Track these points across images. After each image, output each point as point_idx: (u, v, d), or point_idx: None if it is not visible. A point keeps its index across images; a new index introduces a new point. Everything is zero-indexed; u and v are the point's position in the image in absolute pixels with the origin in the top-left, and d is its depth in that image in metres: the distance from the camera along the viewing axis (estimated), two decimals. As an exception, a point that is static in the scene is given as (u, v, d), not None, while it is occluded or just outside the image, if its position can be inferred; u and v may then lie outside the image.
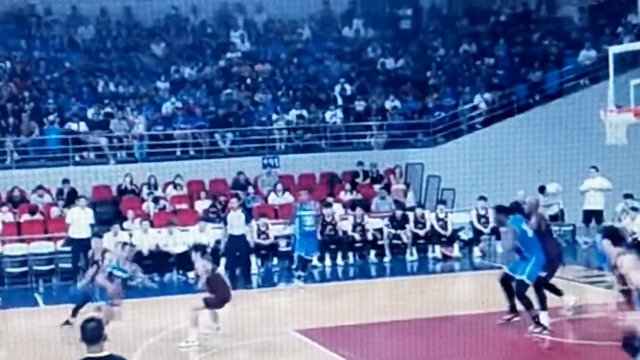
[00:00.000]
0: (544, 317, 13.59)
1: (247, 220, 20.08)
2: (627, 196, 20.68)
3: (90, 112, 25.36)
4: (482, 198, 21.86)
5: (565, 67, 27.32)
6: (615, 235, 9.69)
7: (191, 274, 16.60)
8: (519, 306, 13.96)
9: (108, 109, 25.55)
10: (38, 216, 21.68)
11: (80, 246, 19.26)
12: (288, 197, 23.10)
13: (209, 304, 13.79)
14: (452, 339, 13.65)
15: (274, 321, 15.06)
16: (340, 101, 27.43)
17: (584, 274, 18.12)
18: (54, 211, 21.74)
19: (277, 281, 19.79)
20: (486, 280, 18.72)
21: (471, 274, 20.65)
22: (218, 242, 19.99)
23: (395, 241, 21.78)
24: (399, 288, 18.67)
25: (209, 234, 20.32)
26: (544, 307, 13.70)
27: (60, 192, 22.54)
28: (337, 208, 22.25)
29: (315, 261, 20.34)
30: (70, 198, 21.69)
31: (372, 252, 21.76)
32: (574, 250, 21.67)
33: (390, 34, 30.96)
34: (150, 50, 28.92)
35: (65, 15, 29.58)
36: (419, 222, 21.93)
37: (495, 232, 21.76)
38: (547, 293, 13.85)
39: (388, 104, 27.11)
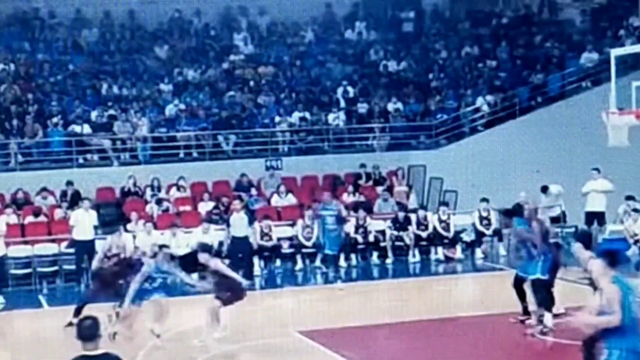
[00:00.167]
0: (547, 318, 13.66)
1: (250, 222, 20.16)
2: (629, 198, 20.68)
3: (93, 115, 25.37)
4: (485, 200, 21.88)
5: (567, 69, 27.29)
6: (587, 240, 9.84)
7: (194, 276, 16.57)
8: (532, 307, 14.01)
9: (112, 111, 25.56)
10: (42, 218, 21.68)
11: (84, 248, 19.39)
12: (291, 199, 23.14)
13: (225, 302, 13.80)
14: (455, 340, 13.73)
15: (276, 323, 15.12)
16: (342, 103, 27.41)
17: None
18: (58, 213, 21.75)
19: (280, 283, 19.89)
20: (488, 282, 18.85)
21: (473, 276, 20.68)
22: (221, 243, 19.99)
23: (397, 243, 21.78)
24: (402, 289, 18.70)
25: (212, 236, 20.34)
26: (548, 308, 13.76)
27: (64, 194, 22.55)
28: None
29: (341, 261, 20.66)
30: (74, 200, 21.71)
31: (375, 254, 21.77)
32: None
33: (393, 36, 30.95)
34: (153, 53, 28.93)
35: (69, 18, 29.54)
36: (422, 224, 21.95)
37: (497, 234, 21.87)
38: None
39: (390, 106, 27.11)
